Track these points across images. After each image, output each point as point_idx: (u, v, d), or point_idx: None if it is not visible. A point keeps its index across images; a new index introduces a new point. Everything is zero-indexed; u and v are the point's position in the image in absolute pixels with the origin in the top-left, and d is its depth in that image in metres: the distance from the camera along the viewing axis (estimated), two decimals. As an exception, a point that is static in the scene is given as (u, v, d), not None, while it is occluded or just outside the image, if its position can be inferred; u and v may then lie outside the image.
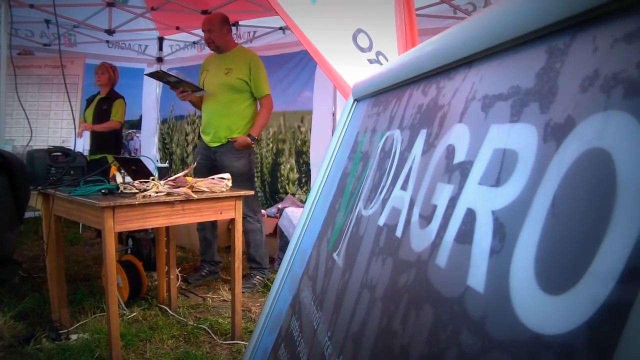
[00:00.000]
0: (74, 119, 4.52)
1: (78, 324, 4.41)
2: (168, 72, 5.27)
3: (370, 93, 1.56)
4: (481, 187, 0.71)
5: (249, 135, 5.32)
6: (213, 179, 4.13)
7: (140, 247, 5.84)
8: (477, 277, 0.65)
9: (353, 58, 2.62)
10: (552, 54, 0.66)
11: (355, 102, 1.80)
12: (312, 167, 7.69)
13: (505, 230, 0.62)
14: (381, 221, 1.08)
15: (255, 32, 8.05)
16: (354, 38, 2.64)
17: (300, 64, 7.80)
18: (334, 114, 7.44)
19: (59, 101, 7.52)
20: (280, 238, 6.21)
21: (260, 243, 5.52)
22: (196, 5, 7.04)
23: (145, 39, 9.51)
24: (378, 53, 2.68)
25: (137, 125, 11.09)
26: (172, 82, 5.35)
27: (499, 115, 0.73)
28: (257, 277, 5.48)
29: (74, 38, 8.87)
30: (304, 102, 7.75)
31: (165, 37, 9.53)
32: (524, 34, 0.70)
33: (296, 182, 7.86)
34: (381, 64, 2.63)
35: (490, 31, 0.80)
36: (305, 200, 6.94)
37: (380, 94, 1.46)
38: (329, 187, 1.68)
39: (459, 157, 0.81)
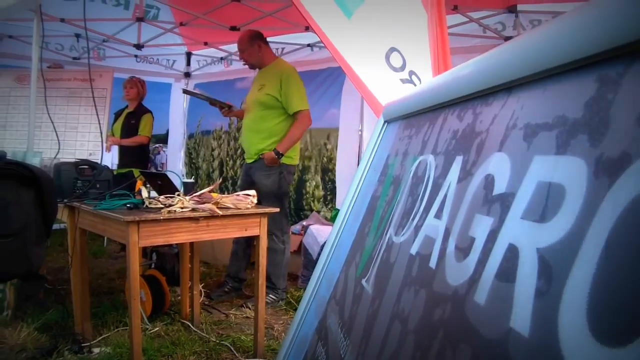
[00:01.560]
0: (101, 133, 4.54)
1: (100, 338, 4.39)
2: (194, 90, 5.30)
3: (402, 115, 1.53)
4: (524, 222, 0.67)
5: (274, 150, 5.27)
6: (238, 195, 4.11)
7: (164, 261, 5.83)
8: (521, 319, 0.61)
9: (386, 77, 2.59)
10: (603, 84, 0.62)
11: (386, 124, 1.77)
12: (337, 184, 7.67)
13: (552, 271, 0.59)
14: (413, 250, 1.05)
15: (283, 48, 8.06)
16: (387, 57, 2.60)
17: (327, 81, 7.80)
18: (360, 132, 7.44)
19: (87, 114, 7.57)
20: (304, 256, 6.17)
21: (279, 263, 5.45)
22: (224, 21, 7.06)
23: (173, 54, 9.56)
24: (411, 73, 2.64)
25: (164, 139, 11.15)
26: (206, 100, 5.40)
27: (543, 145, 0.69)
28: (270, 296, 5.39)
29: (103, 52, 8.96)
30: (330, 119, 7.75)
31: (193, 52, 9.59)
32: (571, 62, 0.67)
33: (321, 200, 7.83)
34: (414, 84, 2.59)
35: (533, 57, 0.76)
36: (331, 218, 6.95)
37: (412, 117, 1.43)
38: (358, 209, 1.65)
39: (499, 187, 0.77)
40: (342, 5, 2.64)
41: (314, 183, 7.93)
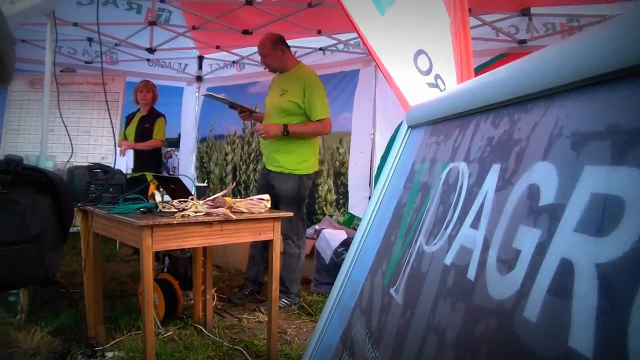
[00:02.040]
0: (114, 137, 4.54)
1: (113, 342, 4.38)
2: (216, 94, 5.28)
3: (428, 121, 1.50)
4: (579, 236, 0.64)
5: (284, 125, 5.22)
6: (252, 199, 4.10)
7: (177, 265, 5.82)
8: (583, 339, 0.57)
9: (414, 79, 2.55)
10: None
11: (410, 129, 1.74)
12: (350, 188, 7.66)
13: (616, 288, 0.55)
14: (448, 260, 1.02)
15: (295, 52, 8.01)
16: (415, 59, 2.57)
17: (339, 85, 7.78)
18: (372, 136, 7.43)
19: (99, 118, 7.54)
20: (317, 260, 6.15)
21: (293, 268, 5.44)
22: (237, 25, 7.03)
23: (185, 57, 9.57)
24: (437, 77, 2.61)
25: (175, 143, 11.14)
26: (227, 104, 5.39)
27: (595, 155, 0.66)
28: (283, 300, 5.36)
29: (115, 56, 8.97)
30: (343, 123, 7.73)
31: (205, 55, 9.57)
32: (625, 68, 0.64)
33: (334, 204, 7.81)
34: (440, 88, 2.56)
35: (577, 63, 0.74)
36: (343, 222, 6.92)
37: (439, 123, 1.40)
38: (382, 216, 1.62)
39: (546, 198, 0.74)
40: (377, 1, 2.61)
41: (327, 187, 7.91)
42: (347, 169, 7.73)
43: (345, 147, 7.74)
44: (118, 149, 7.12)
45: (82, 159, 7.13)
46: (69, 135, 5.36)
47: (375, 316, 1.30)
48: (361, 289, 1.52)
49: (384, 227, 1.55)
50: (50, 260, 1.80)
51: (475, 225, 0.96)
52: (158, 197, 3.91)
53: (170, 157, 11.68)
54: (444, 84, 2.62)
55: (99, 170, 4.43)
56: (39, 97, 7.31)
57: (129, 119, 7.52)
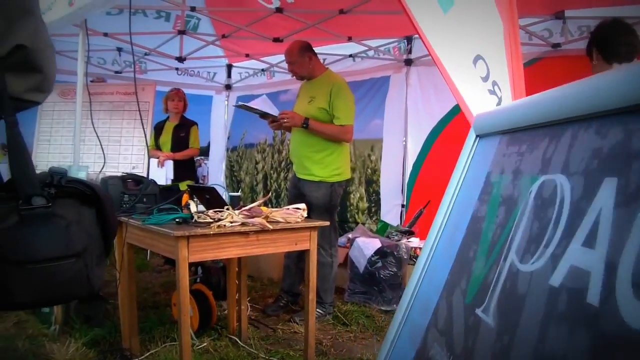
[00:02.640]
0: (147, 146, 4.52)
1: (148, 353, 4.33)
2: (249, 105, 5.23)
3: (502, 130, 1.43)
4: None
5: (306, 118, 5.19)
6: (288, 209, 4.06)
7: (210, 275, 5.74)
8: None
9: (475, 85, 2.48)
10: None
11: (478, 138, 1.67)
12: (382, 196, 7.58)
13: None
14: (555, 281, 0.93)
15: (324, 59, 7.99)
16: (474, 63, 2.50)
17: (370, 91, 7.72)
18: (404, 143, 7.34)
19: (129, 127, 7.53)
20: (350, 269, 6.08)
21: (327, 277, 5.38)
22: (267, 32, 7.00)
23: (213, 66, 9.55)
24: (494, 83, 2.53)
25: (205, 152, 11.16)
26: (258, 113, 5.34)
27: None
28: (317, 310, 5.25)
29: (144, 65, 8.97)
30: (374, 130, 7.66)
31: (234, 64, 9.55)
32: None
33: (365, 212, 7.74)
34: (497, 95, 2.48)
35: None
36: (377, 230, 6.85)
37: (518, 132, 1.33)
38: (453, 230, 1.54)
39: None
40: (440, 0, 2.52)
41: (358, 195, 7.83)
42: (378, 176, 7.65)
43: (376, 154, 7.66)
44: (155, 160, 7.16)
45: (112, 169, 7.13)
46: (101, 145, 5.34)
47: (459, 338, 1.23)
48: (435, 308, 1.44)
49: (457, 242, 1.48)
50: (95, 275, 1.76)
51: (590, 244, 0.88)
52: (193, 207, 3.85)
53: (200, 165, 11.71)
54: (500, 91, 2.55)
55: (131, 180, 4.40)
56: (70, 107, 7.34)
57: (158, 128, 7.49)
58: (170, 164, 7.29)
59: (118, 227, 3.71)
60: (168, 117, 7.54)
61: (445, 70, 2.44)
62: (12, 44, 1.56)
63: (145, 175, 5.26)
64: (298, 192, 5.43)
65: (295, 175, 5.54)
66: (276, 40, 6.97)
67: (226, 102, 10.13)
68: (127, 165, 7.41)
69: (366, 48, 7.47)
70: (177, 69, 9.14)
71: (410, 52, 7.28)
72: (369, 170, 7.73)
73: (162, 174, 7.11)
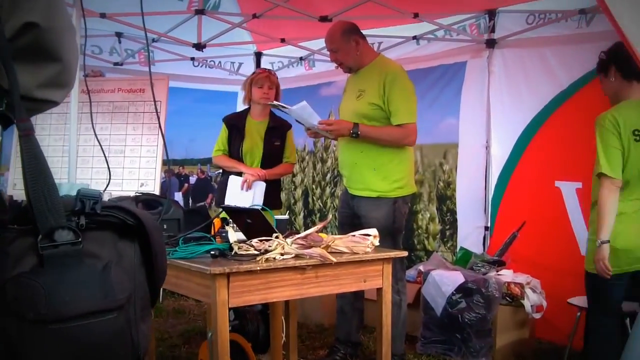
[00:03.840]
0: (167, 158, 4.36)
1: None
2: (286, 106, 5.10)
3: None
4: None
5: (355, 124, 5.06)
6: (354, 236, 3.96)
7: (246, 321, 5.63)
8: None
9: None
10: None
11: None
12: (459, 216, 7.47)
13: None
14: None
15: (380, 43, 7.87)
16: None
17: (440, 82, 7.59)
18: (487, 148, 7.18)
19: (135, 134, 7.37)
20: (424, 310, 5.97)
21: (394, 321, 5.20)
22: (311, 10, 6.86)
23: (239, 54, 9.46)
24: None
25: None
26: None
27: None
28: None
29: (152, 55, 8.83)
30: (446, 132, 7.56)
31: (264, 52, 9.48)
32: None
33: (438, 236, 7.59)
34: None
35: None
36: (456, 260, 6.69)
37: None
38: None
39: None
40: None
41: (428, 215, 7.70)
42: (454, 190, 7.53)
43: (451, 162, 7.55)
44: (237, 180, 6.07)
45: (116, 188, 7.01)
46: (105, 156, 5.23)
47: None
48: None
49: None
50: (141, 333, 1.61)
51: None
52: (232, 236, 3.73)
53: (223, 180, 11.64)
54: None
55: (147, 202, 4.32)
56: (61, 109, 7.19)
57: (234, 127, 6.41)
58: (259, 187, 6.09)
59: (167, 269, 3.60)
60: (248, 111, 6.52)
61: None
62: (20, 21, 1.47)
63: (160, 194, 5.14)
64: (351, 213, 5.39)
65: (346, 191, 5.49)
66: (323, 19, 6.82)
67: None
68: (134, 182, 7.30)
69: (435, 27, 7.33)
70: (192, 58, 9.10)
71: (493, 30, 7.11)
72: (442, 184, 7.61)
73: (245, 202, 5.69)
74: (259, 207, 4.16)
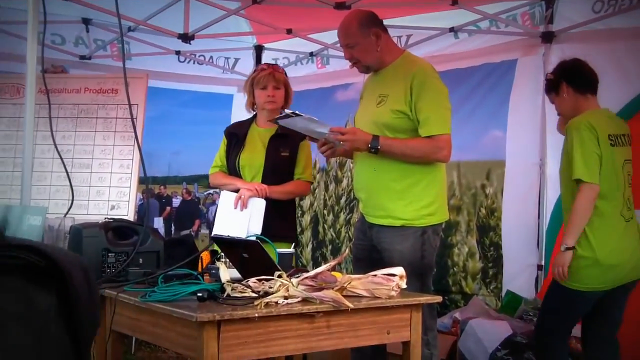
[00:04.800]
0: (145, 176, 4.28)
1: None
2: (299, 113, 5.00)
3: None
4: None
5: (374, 137, 4.92)
6: (375, 275, 3.92)
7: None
8: None
9: None
10: None
11: None
12: (505, 250, 7.42)
13: None
14: None
15: (410, 36, 7.85)
16: None
17: (483, 85, 7.61)
18: (541, 166, 7.15)
19: (105, 145, 7.28)
20: (461, 369, 5.92)
21: (425, 381, 5.20)
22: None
23: (234, 48, 9.53)
24: None
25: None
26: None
27: None
28: None
29: (127, 47, 8.83)
30: (490, 146, 7.61)
31: (267, 45, 9.53)
32: None
33: (478, 276, 7.56)
34: None
35: None
36: (501, 307, 6.63)
37: None
38: None
39: None
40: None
41: (466, 249, 7.72)
42: (499, 219, 7.55)
43: (495, 184, 7.57)
44: (229, 196, 5.84)
45: (80, 210, 6.95)
46: (67, 172, 5.21)
47: None
48: None
49: None
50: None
51: None
52: (225, 274, 3.69)
53: (213, 203, 11.47)
54: None
55: (119, 230, 4.32)
56: (11, 112, 7.13)
57: (233, 136, 6.24)
58: (257, 205, 5.84)
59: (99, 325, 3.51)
60: (254, 118, 6.33)
61: None
62: None
63: (135, 220, 5.10)
64: (369, 245, 5.32)
65: (363, 218, 5.41)
66: (340, 6, 6.82)
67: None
68: (103, 204, 7.25)
69: (478, 16, 7.30)
70: (177, 52, 9.16)
71: (550, 20, 7.09)
72: (483, 210, 7.62)
73: (239, 225, 5.57)
74: (257, 237, 4.10)
